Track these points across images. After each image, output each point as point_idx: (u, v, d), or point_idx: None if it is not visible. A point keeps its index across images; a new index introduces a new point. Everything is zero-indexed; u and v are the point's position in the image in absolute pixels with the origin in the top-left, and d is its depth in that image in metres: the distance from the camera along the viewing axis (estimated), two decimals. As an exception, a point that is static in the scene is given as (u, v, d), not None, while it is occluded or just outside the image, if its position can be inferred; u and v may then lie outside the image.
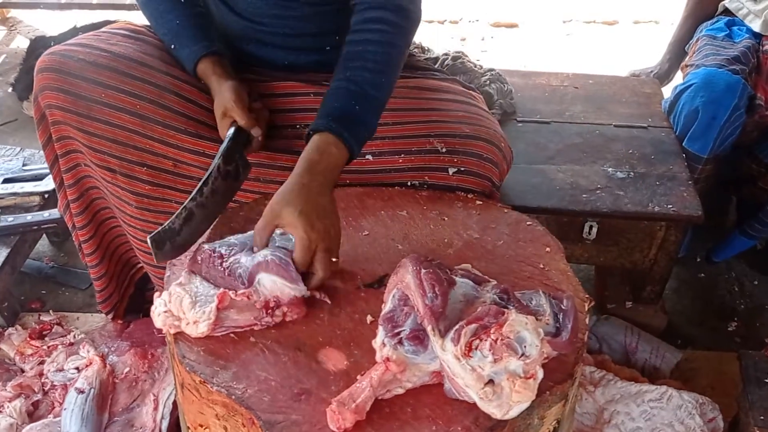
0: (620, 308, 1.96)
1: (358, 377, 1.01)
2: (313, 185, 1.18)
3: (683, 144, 1.92)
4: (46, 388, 1.65)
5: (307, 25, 1.44)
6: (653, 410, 1.59)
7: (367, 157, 1.41)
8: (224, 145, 1.31)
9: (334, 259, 1.17)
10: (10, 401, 1.59)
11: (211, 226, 1.28)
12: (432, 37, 3.46)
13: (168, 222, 1.19)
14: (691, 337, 2.01)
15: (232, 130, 1.33)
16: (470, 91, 1.55)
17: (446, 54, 2.04)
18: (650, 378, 1.75)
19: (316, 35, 1.46)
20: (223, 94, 1.34)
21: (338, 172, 1.24)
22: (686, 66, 2.08)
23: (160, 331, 1.61)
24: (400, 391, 1.02)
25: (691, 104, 1.87)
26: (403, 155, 1.41)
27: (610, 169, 1.84)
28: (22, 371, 1.71)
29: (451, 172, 1.41)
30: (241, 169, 1.34)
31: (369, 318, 1.13)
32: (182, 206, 1.21)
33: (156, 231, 1.17)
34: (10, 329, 1.81)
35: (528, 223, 1.34)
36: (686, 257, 2.23)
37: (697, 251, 2.25)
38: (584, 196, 1.76)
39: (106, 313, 1.75)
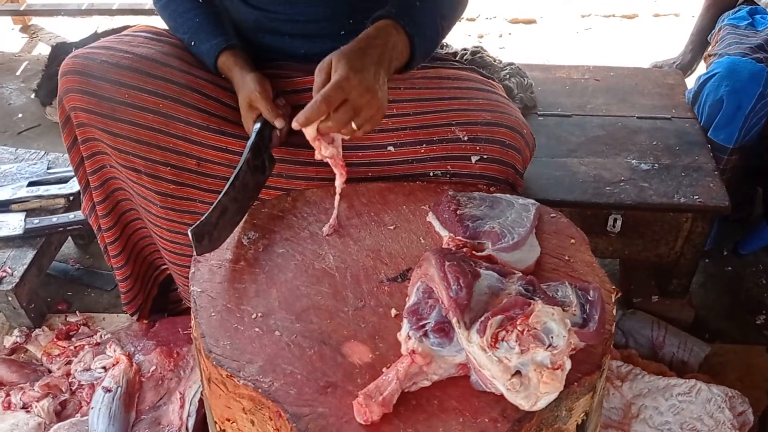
0: (646, 302, 1.94)
1: (384, 370, 1.01)
2: (373, 52, 1.15)
3: (708, 134, 1.89)
4: (73, 388, 1.67)
5: (319, 9, 1.44)
6: (682, 404, 1.57)
7: (388, 148, 1.41)
8: (252, 138, 1.32)
9: (354, 127, 1.12)
10: (38, 401, 1.61)
11: (243, 220, 1.29)
12: (449, 35, 3.44)
13: (205, 215, 1.20)
14: (719, 330, 1.98)
15: (258, 124, 1.34)
16: (490, 80, 1.54)
17: (465, 49, 2.03)
18: (678, 372, 1.73)
19: (330, 19, 1.45)
20: (248, 85, 1.35)
21: (397, 53, 1.20)
22: (709, 56, 2.06)
23: (185, 330, 1.63)
24: (427, 383, 1.01)
25: (716, 94, 1.84)
26: (425, 145, 1.40)
27: (634, 161, 1.82)
28: (50, 371, 1.73)
29: (473, 161, 1.40)
30: (267, 163, 1.36)
31: (393, 311, 1.13)
32: (217, 200, 1.22)
33: (195, 224, 1.18)
34: (37, 330, 1.83)
35: (552, 215, 1.33)
36: (713, 250, 2.20)
37: (723, 244, 2.22)
38: (608, 188, 1.74)
39: (131, 314, 1.77)
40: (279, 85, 1.45)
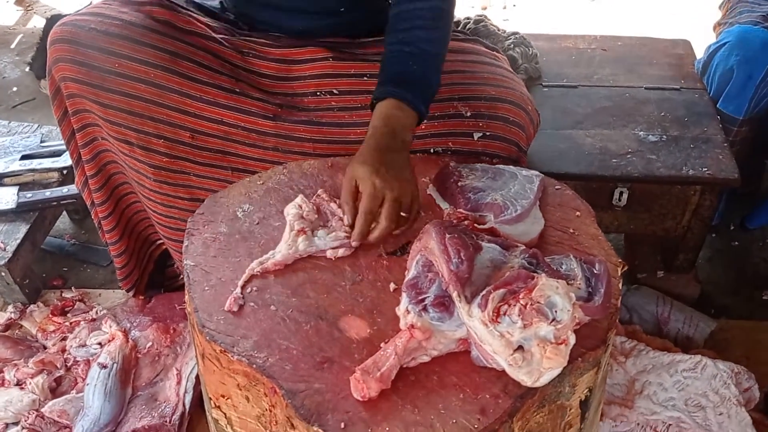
0: (651, 278, 1.91)
1: (382, 345, 0.98)
2: (382, 143, 1.17)
3: (717, 105, 1.85)
4: (68, 364, 1.64)
5: None
6: (687, 380, 1.55)
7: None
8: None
9: (403, 214, 1.14)
10: (32, 377, 1.59)
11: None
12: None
13: None
14: (725, 306, 1.95)
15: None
16: (494, 53, 1.49)
17: (468, 18, 1.98)
18: (683, 348, 1.71)
19: None
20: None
21: (408, 132, 1.22)
22: (719, 24, 2.00)
23: (181, 306, 1.60)
24: (426, 359, 0.98)
25: (726, 63, 1.80)
26: (426, 121, 1.36)
27: (641, 133, 1.78)
28: (44, 348, 1.71)
29: (476, 137, 1.35)
30: None
31: (392, 286, 1.10)
32: None
33: None
34: (32, 306, 1.81)
35: (557, 187, 1.29)
36: (720, 225, 2.16)
37: (730, 219, 2.18)
38: (614, 161, 1.70)
39: (127, 290, 1.74)
40: (273, 53, 1.41)
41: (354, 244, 1.15)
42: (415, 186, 1.17)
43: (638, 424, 1.50)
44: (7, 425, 1.53)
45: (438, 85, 1.29)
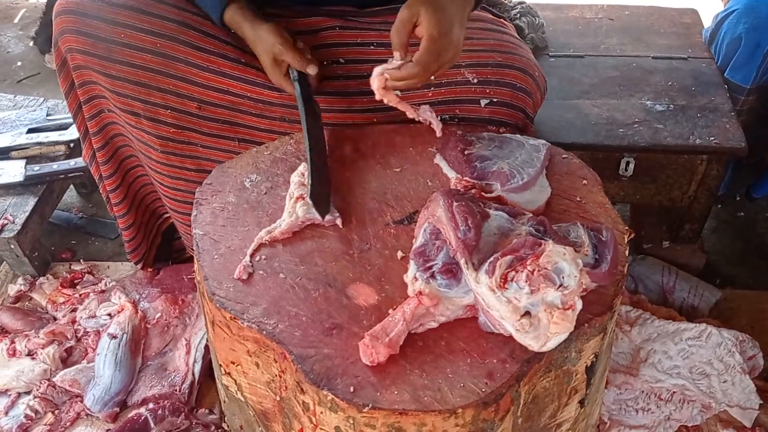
0: (657, 248, 1.91)
1: (390, 312, 0.99)
2: (451, 7, 1.15)
3: (725, 74, 1.84)
4: (78, 335, 1.66)
5: None
6: (691, 348, 1.56)
7: (395, 93, 1.36)
8: (298, 89, 1.29)
9: (432, 78, 1.18)
10: (43, 348, 1.61)
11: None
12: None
13: (310, 184, 1.18)
14: (730, 276, 1.96)
15: (294, 73, 1.30)
16: (500, 20, 1.48)
17: (474, -13, 1.95)
18: (688, 317, 1.71)
19: None
20: (266, 39, 1.29)
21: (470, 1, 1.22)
22: (728, -8, 1.98)
23: (189, 277, 1.61)
24: (434, 325, 0.99)
25: (734, 32, 1.78)
26: (432, 88, 1.36)
27: (648, 103, 1.77)
28: (55, 319, 1.72)
29: (483, 104, 1.35)
30: (317, 109, 1.33)
31: (399, 254, 1.11)
32: (309, 165, 1.22)
33: (310, 193, 1.17)
34: (41, 278, 1.82)
35: (564, 156, 1.29)
36: (725, 195, 2.16)
37: (736, 189, 2.17)
38: (621, 130, 1.69)
39: (135, 263, 1.75)
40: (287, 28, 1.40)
41: (391, 84, 1.18)
42: (457, 58, 1.18)
43: (643, 391, 1.52)
44: (19, 394, 1.55)
45: None
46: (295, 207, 1.16)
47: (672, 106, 1.76)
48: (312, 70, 1.29)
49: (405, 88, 1.21)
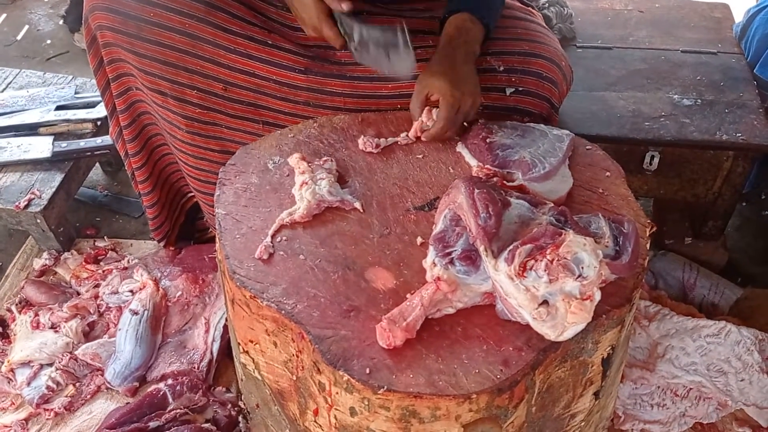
0: (679, 244, 1.89)
1: (408, 296, 0.99)
2: (456, 55, 1.27)
3: (755, 71, 1.82)
4: (101, 310, 1.69)
5: None
6: (710, 345, 1.54)
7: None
8: (353, 23, 1.27)
9: (465, 124, 1.28)
10: (66, 321, 1.63)
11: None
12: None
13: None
14: (752, 275, 1.93)
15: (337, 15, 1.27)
16: (528, 8, 1.47)
17: (502, -24, 1.94)
18: (708, 315, 1.70)
19: None
20: None
21: (477, 44, 1.31)
22: (761, -13, 1.95)
23: (211, 256, 1.63)
24: (451, 311, 1.00)
25: (765, 28, 1.76)
26: None
27: (675, 97, 1.75)
28: (78, 294, 1.75)
29: (508, 93, 1.35)
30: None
31: (419, 239, 1.11)
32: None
33: None
34: (65, 254, 1.85)
35: (587, 147, 1.28)
36: (750, 194, 2.13)
37: (761, 188, 2.14)
38: (647, 124, 1.68)
39: (158, 241, 1.78)
40: None
41: (425, 138, 1.29)
42: (479, 96, 1.28)
43: (659, 387, 1.51)
44: (41, 366, 1.58)
45: (502, 5, 1.39)
46: (302, 192, 1.17)
47: (699, 100, 1.74)
48: (346, 6, 1.25)
49: (439, 141, 1.30)
